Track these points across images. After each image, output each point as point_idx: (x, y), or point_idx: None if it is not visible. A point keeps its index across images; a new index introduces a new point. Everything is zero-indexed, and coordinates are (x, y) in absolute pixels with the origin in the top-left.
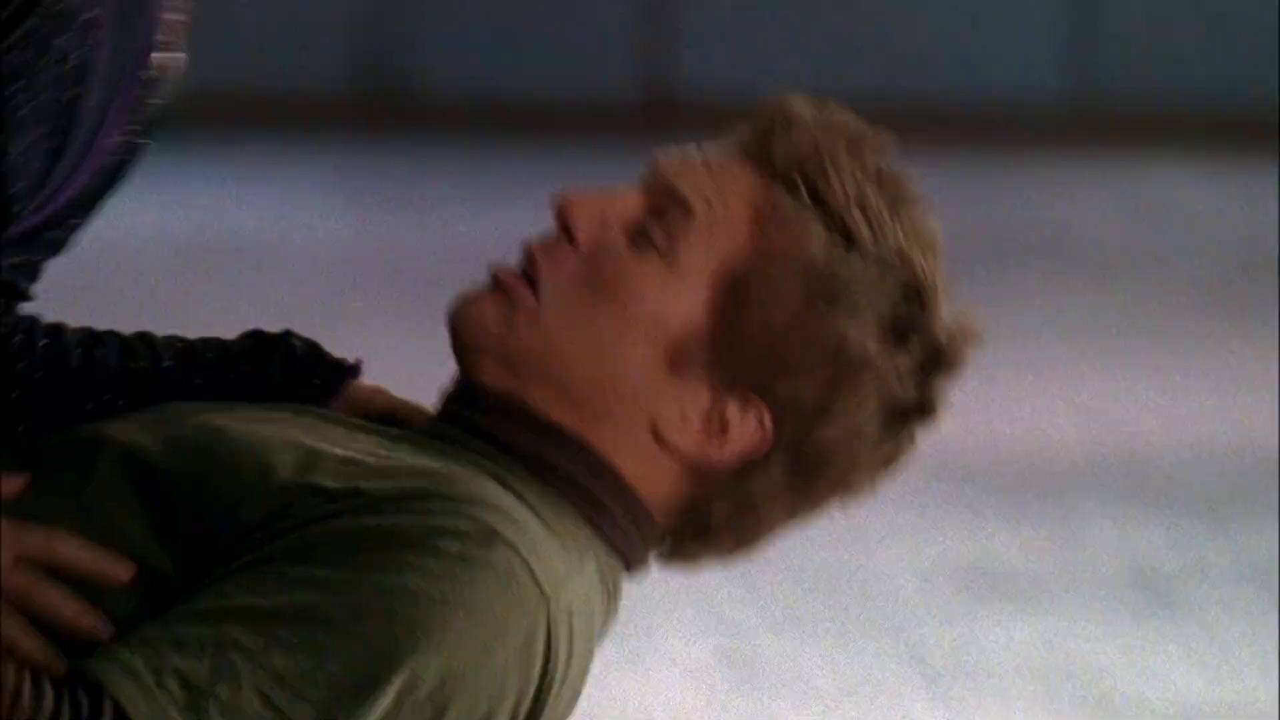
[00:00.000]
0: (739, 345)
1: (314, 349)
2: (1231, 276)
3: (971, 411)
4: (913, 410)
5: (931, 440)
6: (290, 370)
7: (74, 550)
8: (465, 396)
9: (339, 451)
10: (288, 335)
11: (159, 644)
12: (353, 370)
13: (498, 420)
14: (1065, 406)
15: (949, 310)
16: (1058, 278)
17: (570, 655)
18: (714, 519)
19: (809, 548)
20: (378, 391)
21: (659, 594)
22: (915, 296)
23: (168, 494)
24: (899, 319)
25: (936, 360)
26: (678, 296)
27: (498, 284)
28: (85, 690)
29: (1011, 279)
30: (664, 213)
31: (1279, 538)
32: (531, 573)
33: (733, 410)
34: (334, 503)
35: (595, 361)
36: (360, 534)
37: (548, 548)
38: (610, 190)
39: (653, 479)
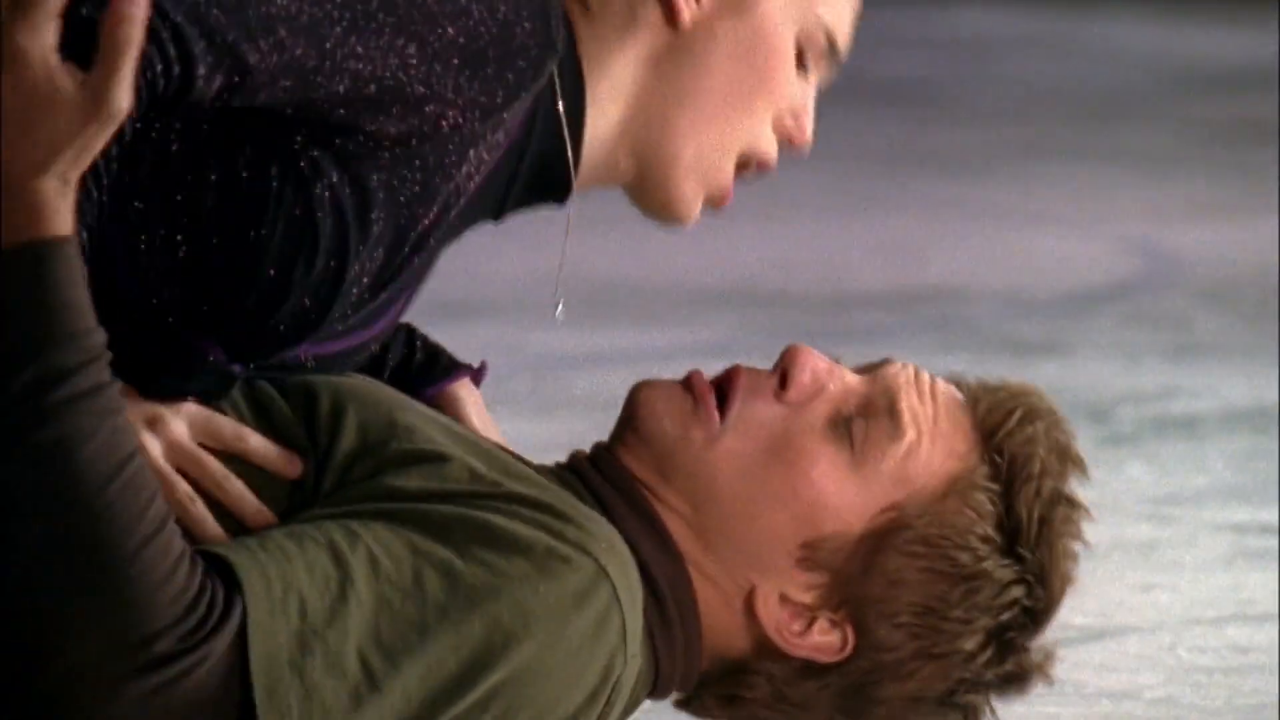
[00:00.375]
0: (867, 578)
1: (432, 346)
2: (1035, 115)
3: (775, 249)
4: (968, 705)
5: (733, 279)
6: (404, 362)
7: (261, 445)
8: (597, 462)
9: (478, 441)
10: (410, 330)
11: (293, 559)
12: (470, 372)
13: (616, 495)
14: (869, 245)
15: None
16: (862, 114)
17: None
18: (751, 692)
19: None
20: (459, 404)
21: None
22: (1033, 623)
23: (332, 407)
24: (1010, 637)
25: (1020, 682)
26: (847, 501)
27: (690, 389)
28: (221, 584)
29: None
30: (873, 416)
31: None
32: (624, 631)
33: (824, 623)
34: (479, 485)
35: (741, 510)
36: (492, 531)
37: (639, 617)
38: (840, 368)
39: (720, 627)
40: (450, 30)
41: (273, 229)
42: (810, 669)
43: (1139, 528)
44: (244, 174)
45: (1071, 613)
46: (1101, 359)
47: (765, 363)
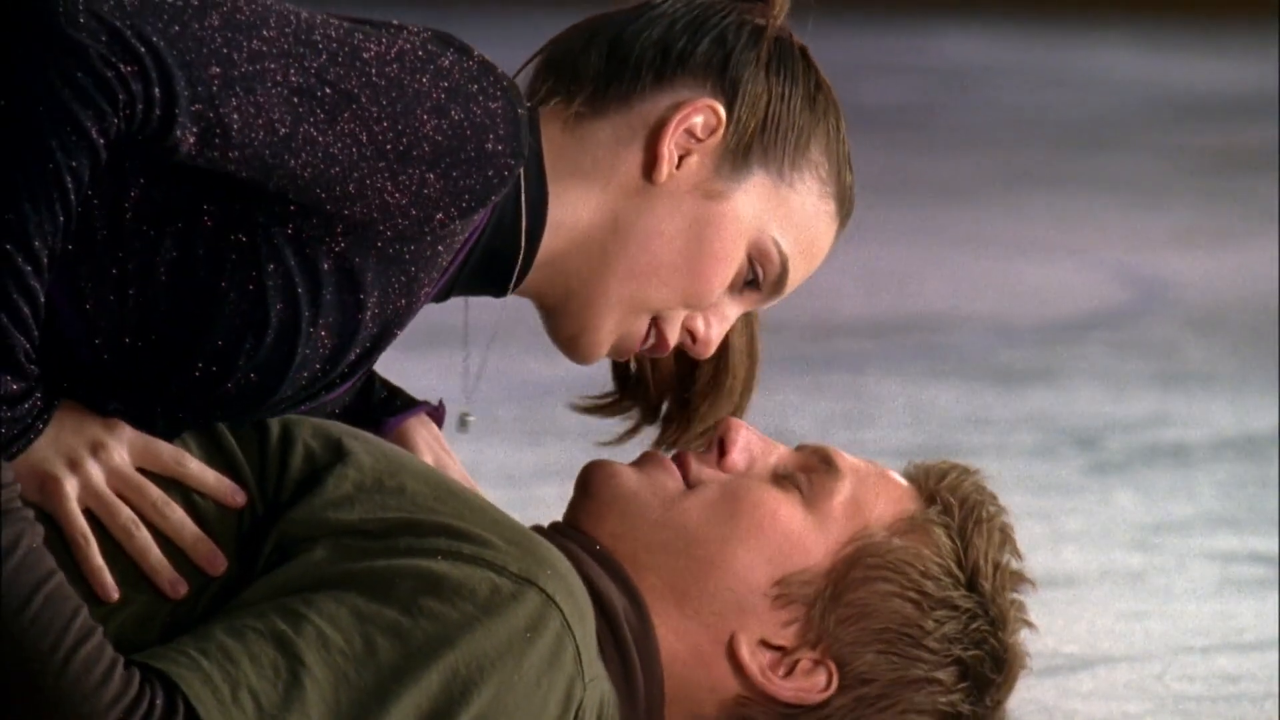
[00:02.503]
0: (841, 609)
1: (392, 386)
2: (1022, 142)
3: None
4: None
5: None
6: (363, 393)
7: (200, 471)
8: (562, 530)
9: (422, 470)
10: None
11: (236, 657)
12: (428, 408)
13: (587, 556)
14: (854, 273)
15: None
16: (851, 140)
17: None
18: None
19: None
20: (414, 438)
21: None
22: (1002, 666)
23: (281, 435)
24: (980, 676)
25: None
26: (810, 537)
27: (647, 458)
28: (162, 687)
29: None
30: (812, 470)
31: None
32: (578, 656)
33: (806, 663)
34: (417, 512)
35: (715, 553)
36: (435, 578)
37: (592, 642)
38: (772, 440)
39: (694, 687)
40: (427, 127)
41: (223, 304)
42: (796, 710)
43: (1128, 556)
44: (200, 251)
45: (1060, 641)
46: (1089, 387)
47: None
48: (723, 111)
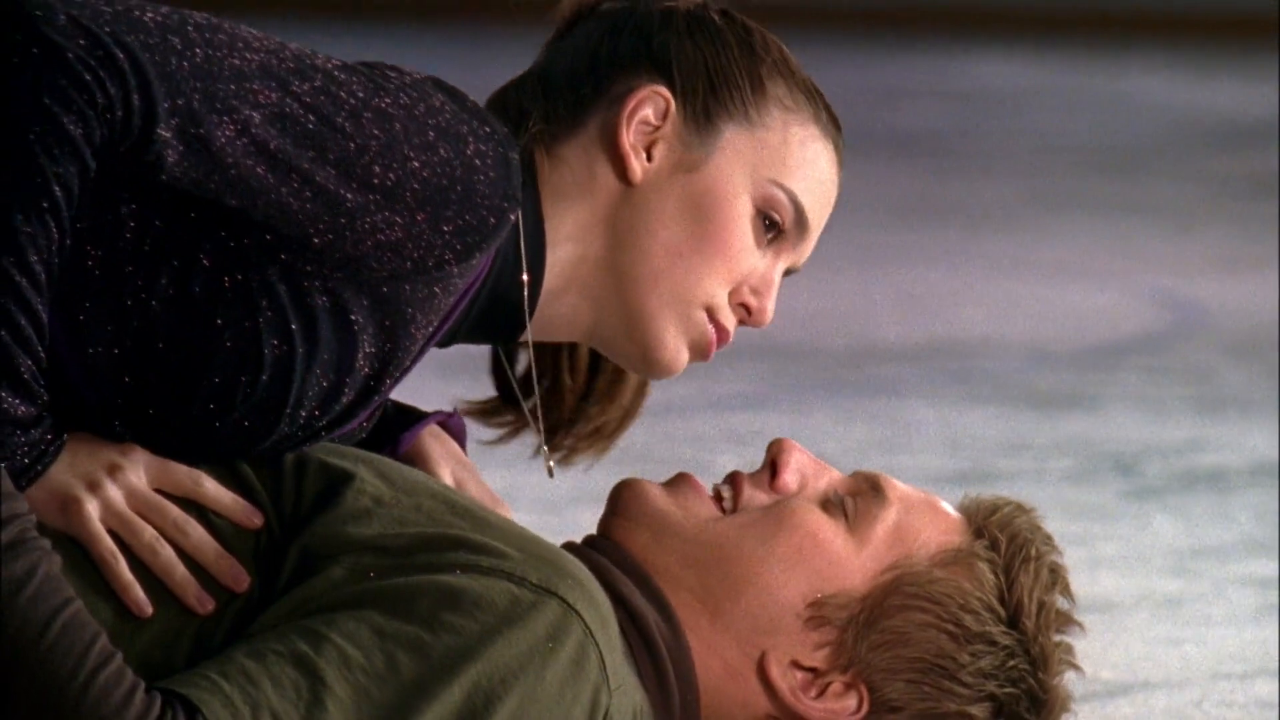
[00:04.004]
0: (874, 635)
1: (401, 408)
2: (1056, 167)
3: (796, 302)
4: None
5: (753, 333)
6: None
7: (217, 491)
8: (594, 544)
9: (438, 489)
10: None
11: (257, 679)
12: (442, 416)
13: (617, 570)
14: (891, 298)
15: None
16: (883, 166)
17: None
18: None
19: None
20: (429, 450)
21: None
22: (1040, 707)
23: (297, 455)
24: (1015, 715)
25: None
26: (849, 562)
27: (682, 480)
28: (183, 709)
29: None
30: (860, 494)
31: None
32: (603, 663)
33: (838, 686)
34: (433, 526)
35: (750, 571)
36: (454, 593)
37: (617, 649)
38: (823, 462)
39: (726, 703)
40: (415, 163)
41: (219, 342)
42: None
43: (1165, 581)
44: (196, 288)
45: (1098, 667)
46: (1127, 412)
47: (787, 414)
48: (666, 91)
